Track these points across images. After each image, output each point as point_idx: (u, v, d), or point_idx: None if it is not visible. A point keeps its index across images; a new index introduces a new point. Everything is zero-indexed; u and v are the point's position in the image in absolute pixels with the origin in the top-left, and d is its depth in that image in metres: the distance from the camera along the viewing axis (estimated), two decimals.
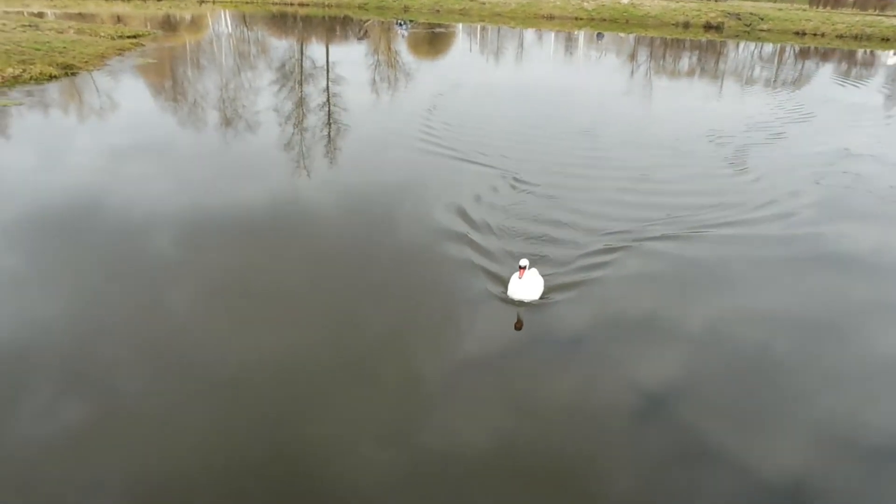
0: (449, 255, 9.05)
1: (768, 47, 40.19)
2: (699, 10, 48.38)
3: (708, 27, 46.57)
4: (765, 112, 20.27)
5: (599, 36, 43.51)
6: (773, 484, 5.35)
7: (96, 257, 8.71)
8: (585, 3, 50.18)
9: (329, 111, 18.26)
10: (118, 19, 37.75)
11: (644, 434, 5.88)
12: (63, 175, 11.99)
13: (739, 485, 5.32)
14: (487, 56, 34.09)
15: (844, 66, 33.67)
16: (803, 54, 37.53)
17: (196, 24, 40.72)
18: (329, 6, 52.51)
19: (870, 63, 35.55)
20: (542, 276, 8.04)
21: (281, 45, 33.02)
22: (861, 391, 6.64)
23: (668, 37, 42.30)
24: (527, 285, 7.72)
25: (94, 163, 12.66)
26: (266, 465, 5.30)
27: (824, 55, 37.16)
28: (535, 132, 16.48)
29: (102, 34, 28.58)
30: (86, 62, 22.58)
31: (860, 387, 6.71)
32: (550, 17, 49.71)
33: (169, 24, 38.53)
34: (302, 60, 27.86)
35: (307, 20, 45.30)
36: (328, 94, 20.55)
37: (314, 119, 17.30)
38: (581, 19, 48.98)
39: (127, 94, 19.21)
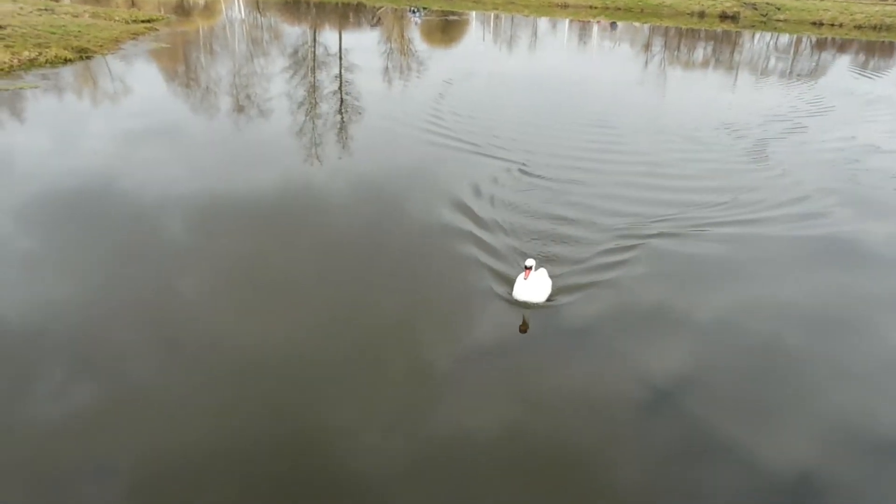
0: (458, 246, 9.05)
1: (784, 38, 39.71)
2: (715, 0, 47.80)
3: (723, 17, 46.03)
4: (783, 104, 20.04)
5: (613, 25, 43.13)
6: (782, 477, 5.38)
7: (108, 241, 8.80)
8: None
9: (341, 98, 18.26)
10: (132, 3, 37.79)
11: (658, 427, 5.91)
12: (77, 159, 12.09)
13: (751, 477, 5.35)
14: (501, 45, 33.90)
15: (862, 57, 33.22)
16: (820, 45, 37.04)
17: (209, 9, 40.70)
18: None
19: (889, 54, 35.06)
20: (554, 274, 7.86)
21: (294, 32, 33.00)
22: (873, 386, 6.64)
23: (683, 26, 41.86)
24: (532, 286, 7.50)
25: (107, 147, 12.75)
26: (274, 451, 5.37)
27: (841, 46, 36.65)
28: (549, 122, 16.42)
29: (117, 18, 28.65)
30: (100, 46, 22.66)
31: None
32: (564, 6, 49.26)
33: (182, 9, 38.54)
34: (315, 47, 27.83)
35: (320, 6, 45.17)
36: (341, 82, 20.54)
37: (326, 106, 17.32)
38: (595, 8, 48.52)
39: (140, 79, 19.29)
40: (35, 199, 9.92)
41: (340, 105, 17.45)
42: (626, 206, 10.65)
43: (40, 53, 19.84)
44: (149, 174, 11.31)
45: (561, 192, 11.25)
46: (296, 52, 26.32)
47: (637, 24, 43.48)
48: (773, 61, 31.06)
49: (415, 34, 34.36)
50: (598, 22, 43.75)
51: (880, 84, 25.03)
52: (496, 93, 20.75)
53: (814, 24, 44.59)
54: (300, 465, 5.27)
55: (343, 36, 32.22)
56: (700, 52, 33.40)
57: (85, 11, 28.60)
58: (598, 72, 27.38)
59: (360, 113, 16.80)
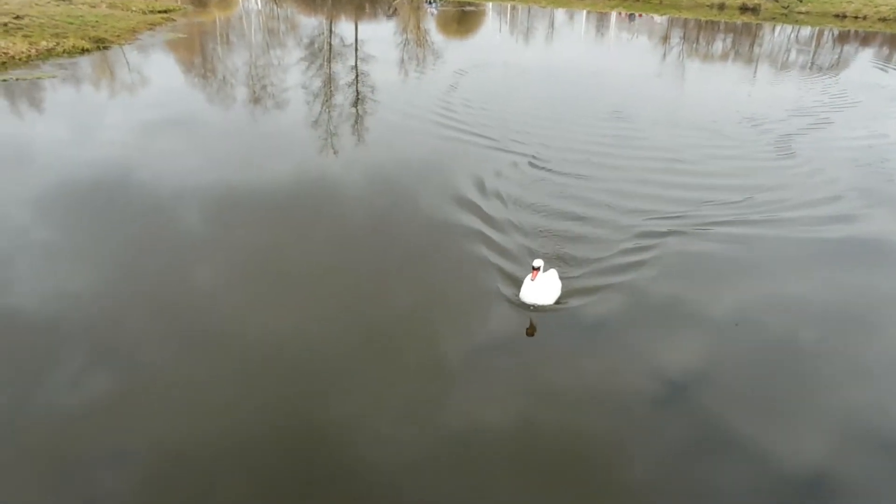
0: (470, 241, 8.96)
1: (805, 31, 39.04)
2: None
3: (744, 9, 45.35)
4: (806, 98, 19.68)
5: (631, 17, 42.68)
6: (796, 474, 5.27)
7: (125, 231, 8.82)
8: None
9: (357, 89, 18.20)
10: None
11: (671, 422, 5.82)
12: (94, 149, 12.12)
13: (765, 474, 5.25)
14: (517, 36, 33.65)
15: (886, 50, 32.59)
16: (842, 38, 36.36)
17: None
18: None
19: None
20: (565, 276, 7.68)
21: (310, 23, 32.97)
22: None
23: (703, 18, 41.32)
24: (540, 288, 7.21)
25: (124, 137, 12.78)
26: (287, 440, 5.37)
27: (864, 39, 35.96)
28: (565, 114, 16.26)
29: (134, 8, 28.76)
30: (117, 36, 22.75)
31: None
32: None
33: (199, 0, 38.60)
34: (331, 38, 27.77)
35: None
36: (356, 73, 20.47)
37: (342, 97, 17.26)
38: None
39: (157, 69, 19.35)
40: (53, 190, 9.95)
41: (356, 96, 17.39)
42: (642, 204, 10.42)
43: (58, 43, 19.95)
44: (165, 165, 11.33)
45: (576, 187, 11.10)
46: (312, 42, 26.29)
47: (656, 16, 42.95)
48: (793, 54, 30.56)
49: (431, 25, 34.18)
50: (620, 14, 43.31)
51: None
52: (512, 84, 20.57)
53: (836, 16, 43.76)
54: (312, 454, 5.26)
55: (359, 27, 32.13)
56: (719, 45, 32.93)
57: (102, 2, 28.68)
58: (616, 64, 27.09)
59: (375, 104, 16.73)
